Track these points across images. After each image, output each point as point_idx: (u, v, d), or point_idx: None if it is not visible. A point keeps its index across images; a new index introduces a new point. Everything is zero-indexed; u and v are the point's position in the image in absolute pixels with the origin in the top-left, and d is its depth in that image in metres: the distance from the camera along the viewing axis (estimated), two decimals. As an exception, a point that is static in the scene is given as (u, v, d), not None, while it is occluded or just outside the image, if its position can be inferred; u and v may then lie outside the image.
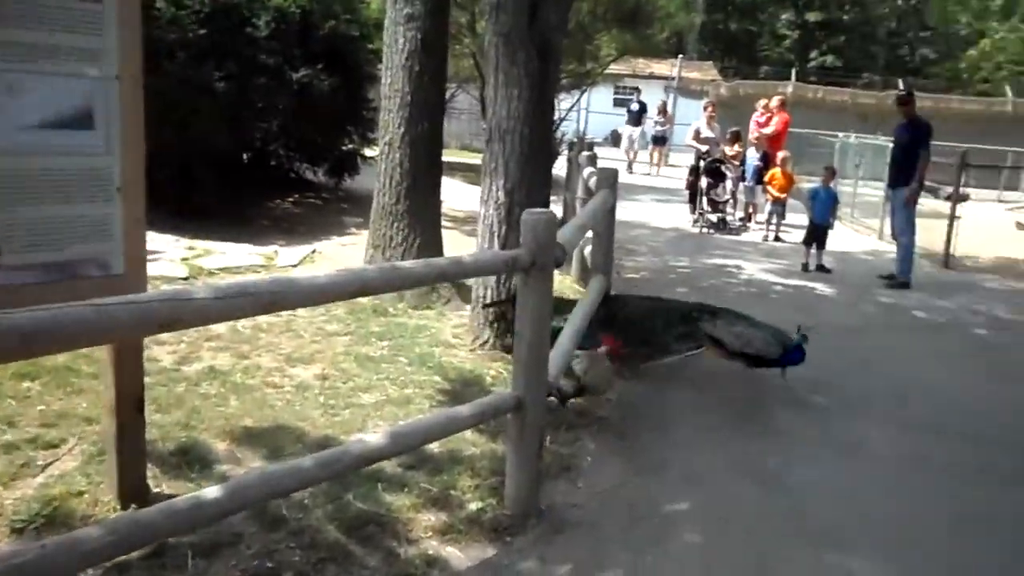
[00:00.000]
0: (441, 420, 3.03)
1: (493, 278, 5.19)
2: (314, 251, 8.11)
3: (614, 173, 5.32)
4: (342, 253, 8.08)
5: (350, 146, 10.98)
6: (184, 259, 7.20)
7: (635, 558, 3.19)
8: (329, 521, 3.18)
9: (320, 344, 5.32)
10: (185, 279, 6.62)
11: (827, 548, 3.34)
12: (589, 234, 5.42)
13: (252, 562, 2.88)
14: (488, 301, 5.23)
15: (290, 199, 10.57)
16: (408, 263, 2.67)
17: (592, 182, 6.04)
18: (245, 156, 10.45)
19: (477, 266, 3.18)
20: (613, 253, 5.61)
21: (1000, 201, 17.61)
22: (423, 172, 6.39)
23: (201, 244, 7.77)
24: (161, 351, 4.83)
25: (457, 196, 11.14)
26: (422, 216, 6.47)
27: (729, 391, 5.11)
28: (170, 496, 3.15)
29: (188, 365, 4.75)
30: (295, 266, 7.51)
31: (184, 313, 2.09)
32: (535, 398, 3.26)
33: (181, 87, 7.98)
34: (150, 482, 3.26)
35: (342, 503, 3.30)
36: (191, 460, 3.56)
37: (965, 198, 12.22)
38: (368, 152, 11.15)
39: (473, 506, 3.40)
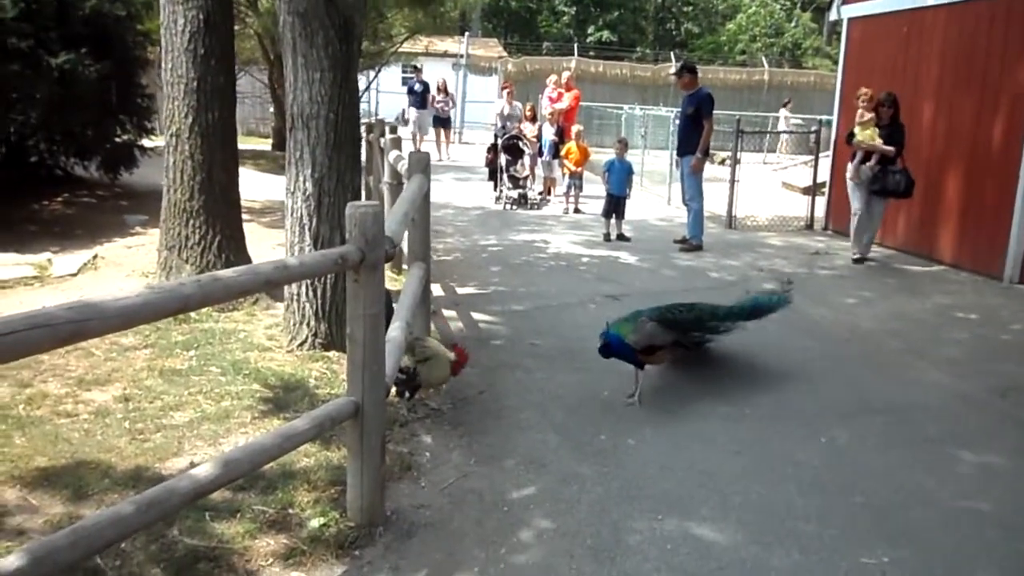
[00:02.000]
0: (276, 439, 2.78)
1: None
2: (96, 256, 7.34)
3: (426, 157, 5.16)
4: (129, 256, 7.38)
5: (124, 137, 10.06)
6: (-64, 276, 6.27)
7: (490, 552, 3.12)
8: (154, 564, 2.85)
9: (116, 361, 4.80)
10: (-60, 300, 5.77)
11: (669, 515, 3.43)
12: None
13: (67, 627, 2.52)
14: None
15: (60, 199, 9.52)
16: (230, 272, 2.39)
17: (402, 166, 5.85)
18: (-1, 153, 9.29)
19: (304, 268, 2.93)
20: (430, 239, 5.46)
21: (765, 163, 19.16)
22: (218, 164, 5.91)
23: (-45, 257, 6.81)
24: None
25: (250, 185, 10.49)
26: (220, 212, 6.00)
27: (557, 371, 5.15)
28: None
29: (-45, 402, 4.12)
30: (75, 275, 6.76)
31: (-40, 357, 1.73)
32: (374, 401, 3.09)
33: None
34: (-75, 550, 2.77)
35: (167, 541, 2.97)
36: (-25, 516, 3.08)
37: (724, 161, 13.24)
38: (147, 143, 10.28)
39: (315, 523, 3.18)
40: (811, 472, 3.89)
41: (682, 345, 4.95)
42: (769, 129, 20.30)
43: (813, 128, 12.16)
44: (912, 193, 8.28)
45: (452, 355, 4.36)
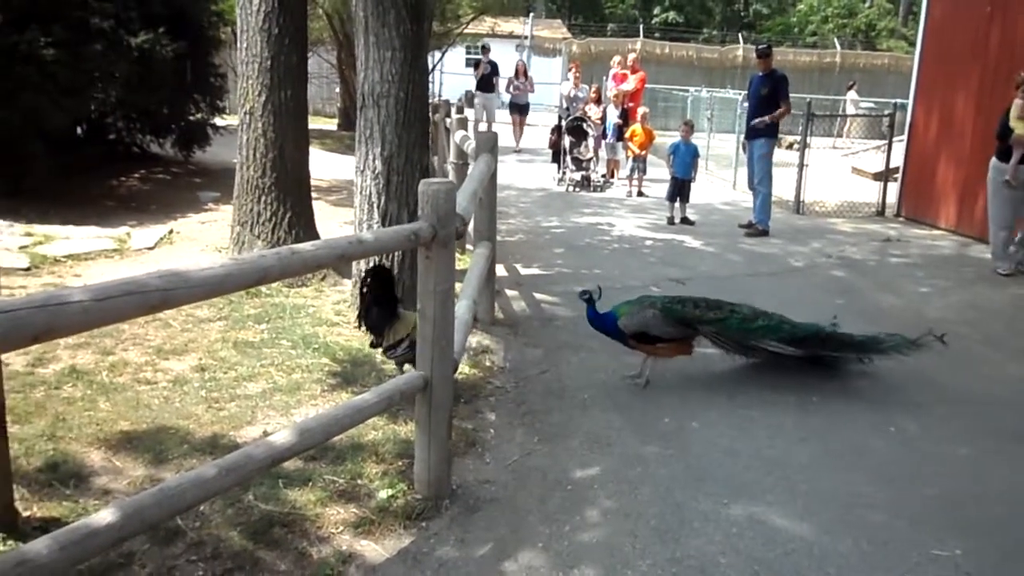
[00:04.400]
0: (348, 411, 2.85)
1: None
2: (171, 231, 7.57)
3: (494, 137, 5.20)
4: (203, 231, 7.59)
5: (198, 116, 10.32)
6: (23, 247, 6.56)
7: (554, 529, 3.15)
8: (231, 527, 2.96)
9: (192, 332, 4.96)
10: (27, 269, 6.03)
11: (735, 499, 3.41)
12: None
13: (150, 583, 2.64)
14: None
15: (136, 175, 9.84)
16: (307, 246, 2.46)
17: (468, 146, 5.89)
18: (80, 130, 9.62)
19: (379, 243, 2.99)
20: (496, 219, 5.49)
21: (835, 148, 18.69)
22: (290, 142, 6.04)
23: (40, 229, 7.10)
24: (9, 352, 4.36)
25: (318, 164, 10.65)
26: (291, 189, 6.13)
27: (620, 353, 5.12)
28: (44, 521, 2.85)
29: (44, 367, 4.31)
30: (152, 248, 6.99)
31: (61, 321, 1.82)
32: (442, 376, 3.13)
33: (2, 56, 7.20)
34: (18, 505, 2.92)
35: (243, 506, 3.08)
36: (63, 476, 3.23)
37: (792, 145, 12.83)
38: (219, 122, 10.53)
39: (383, 494, 3.26)
40: (880, 461, 3.82)
41: (724, 346, 4.75)
42: (840, 112, 19.76)
43: (887, 112, 11.79)
44: None
45: None
